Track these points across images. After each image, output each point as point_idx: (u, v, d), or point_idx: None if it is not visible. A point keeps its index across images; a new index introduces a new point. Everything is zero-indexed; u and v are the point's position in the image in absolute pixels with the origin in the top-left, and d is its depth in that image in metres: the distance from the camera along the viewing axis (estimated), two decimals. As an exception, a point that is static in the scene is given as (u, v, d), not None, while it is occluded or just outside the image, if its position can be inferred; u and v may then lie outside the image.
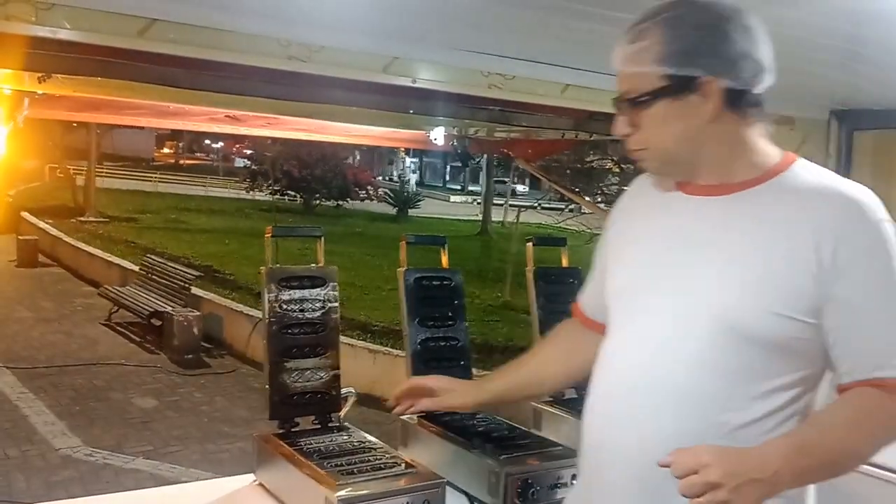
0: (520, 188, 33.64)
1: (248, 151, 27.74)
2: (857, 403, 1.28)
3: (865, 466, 2.10)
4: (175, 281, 10.61)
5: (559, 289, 2.49)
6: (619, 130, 1.38)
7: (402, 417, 2.26)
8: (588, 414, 1.45)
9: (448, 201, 39.38)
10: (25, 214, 18.65)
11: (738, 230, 1.33)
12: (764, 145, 1.38)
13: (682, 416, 1.30)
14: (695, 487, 1.17)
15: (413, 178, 46.73)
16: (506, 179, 25.82)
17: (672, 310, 1.33)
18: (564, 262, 2.63)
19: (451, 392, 1.79)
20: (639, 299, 1.40)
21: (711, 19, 1.31)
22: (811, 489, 1.38)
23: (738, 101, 1.33)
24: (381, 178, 40.94)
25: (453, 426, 2.16)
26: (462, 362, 2.29)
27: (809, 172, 1.35)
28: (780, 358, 1.29)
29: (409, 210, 28.14)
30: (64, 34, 1.54)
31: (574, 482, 1.73)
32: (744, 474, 1.18)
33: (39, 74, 1.84)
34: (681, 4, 1.33)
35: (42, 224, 17.57)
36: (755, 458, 1.21)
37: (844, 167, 2.86)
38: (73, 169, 23.61)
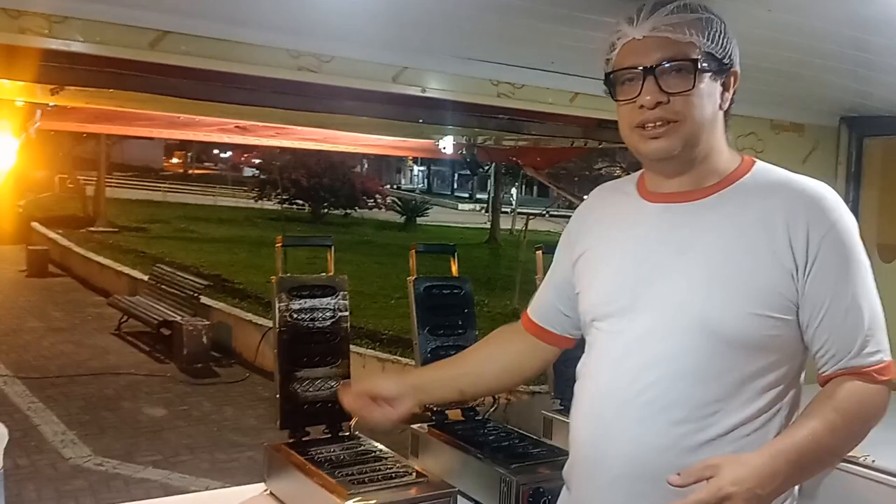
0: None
1: (257, 161, 27.84)
2: (842, 401, 1.28)
3: (870, 472, 2.10)
4: (184, 290, 10.61)
5: (569, 297, 2.48)
6: (652, 98, 1.29)
7: (412, 427, 2.26)
8: (575, 427, 1.44)
9: (456, 209, 39.32)
10: (35, 224, 18.71)
11: (710, 236, 1.33)
12: (728, 150, 1.40)
13: (671, 424, 1.30)
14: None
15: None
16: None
17: (653, 321, 1.33)
18: (574, 270, 2.62)
19: (379, 382, 1.55)
20: (620, 314, 1.39)
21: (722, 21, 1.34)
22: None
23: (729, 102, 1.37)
24: (388, 186, 40.77)
25: (464, 435, 2.16)
26: (472, 371, 2.29)
27: (771, 173, 1.38)
28: (762, 357, 1.30)
29: (417, 218, 28.18)
30: (77, 47, 1.55)
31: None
32: (760, 497, 1.16)
33: (52, 86, 1.86)
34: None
35: (52, 234, 17.61)
36: (766, 471, 1.19)
37: (855, 173, 2.85)
38: (83, 179, 23.70)
